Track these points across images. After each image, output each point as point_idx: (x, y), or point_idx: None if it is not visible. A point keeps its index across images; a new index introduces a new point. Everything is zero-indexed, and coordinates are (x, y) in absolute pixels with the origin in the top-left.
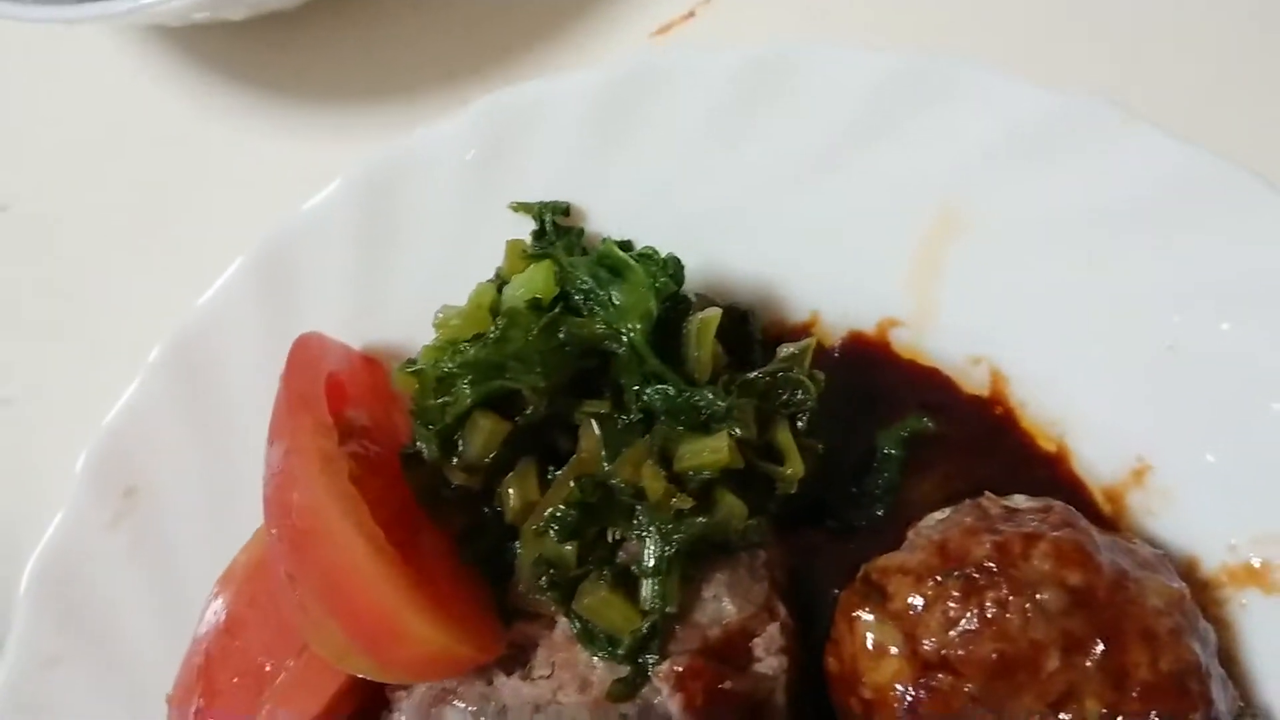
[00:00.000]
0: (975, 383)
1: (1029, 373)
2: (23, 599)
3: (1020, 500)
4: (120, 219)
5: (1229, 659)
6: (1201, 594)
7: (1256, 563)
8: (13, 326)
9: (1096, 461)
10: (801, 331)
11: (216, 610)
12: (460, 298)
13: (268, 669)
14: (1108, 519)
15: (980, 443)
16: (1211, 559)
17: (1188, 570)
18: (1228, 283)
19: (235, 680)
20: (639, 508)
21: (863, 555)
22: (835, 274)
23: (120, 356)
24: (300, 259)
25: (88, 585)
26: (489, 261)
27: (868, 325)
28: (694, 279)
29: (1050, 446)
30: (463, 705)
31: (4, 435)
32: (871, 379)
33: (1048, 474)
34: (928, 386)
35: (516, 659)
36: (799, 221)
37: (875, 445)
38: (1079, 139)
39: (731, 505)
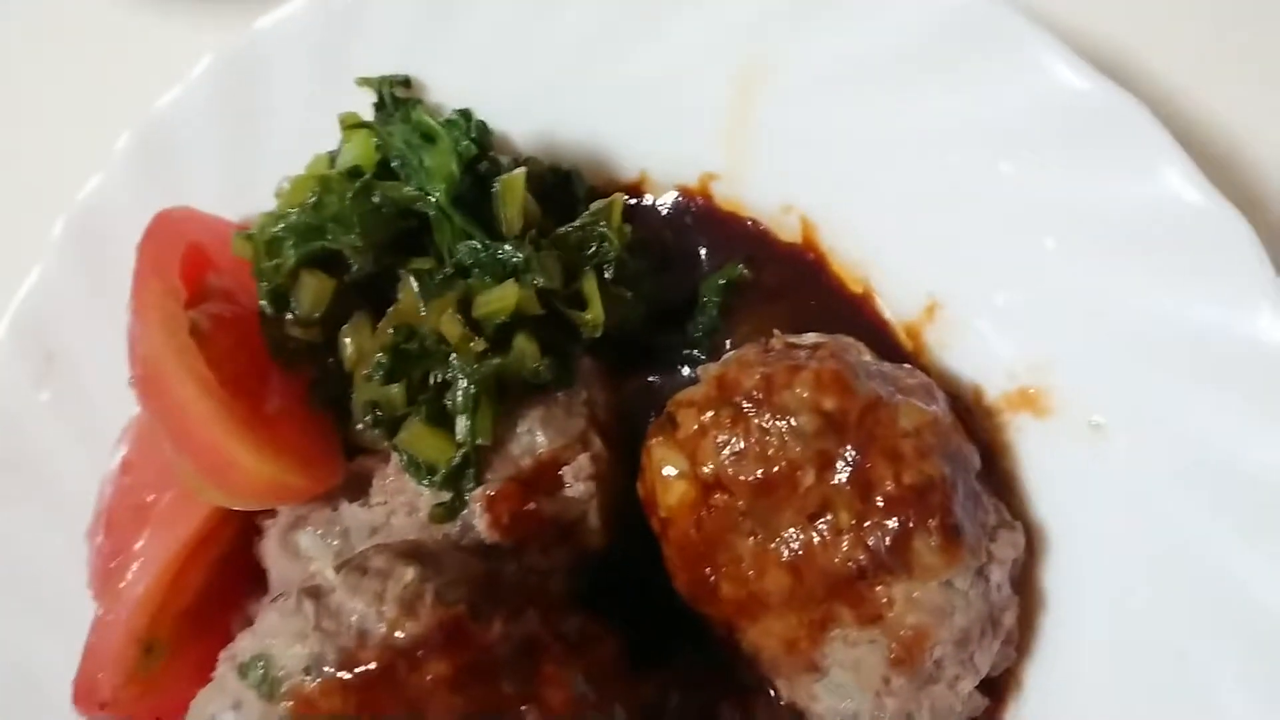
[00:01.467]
0: (789, 231)
1: (834, 219)
2: None
3: (808, 338)
4: (18, 105)
5: (1010, 478)
6: (986, 420)
7: (1030, 389)
8: None
9: (896, 300)
10: (631, 190)
11: (116, 456)
12: None
13: (150, 501)
14: (909, 354)
15: (794, 287)
16: (994, 388)
17: (975, 399)
18: (1004, 124)
19: (127, 514)
20: (451, 352)
21: None
22: (657, 133)
23: (24, 233)
24: (179, 140)
25: (19, 438)
26: None
27: (691, 180)
28: (528, 143)
29: (858, 288)
30: (312, 529)
31: None
32: (697, 232)
33: (855, 314)
34: (747, 236)
35: (359, 489)
36: (621, 83)
37: (698, 294)
38: None
39: (523, 346)
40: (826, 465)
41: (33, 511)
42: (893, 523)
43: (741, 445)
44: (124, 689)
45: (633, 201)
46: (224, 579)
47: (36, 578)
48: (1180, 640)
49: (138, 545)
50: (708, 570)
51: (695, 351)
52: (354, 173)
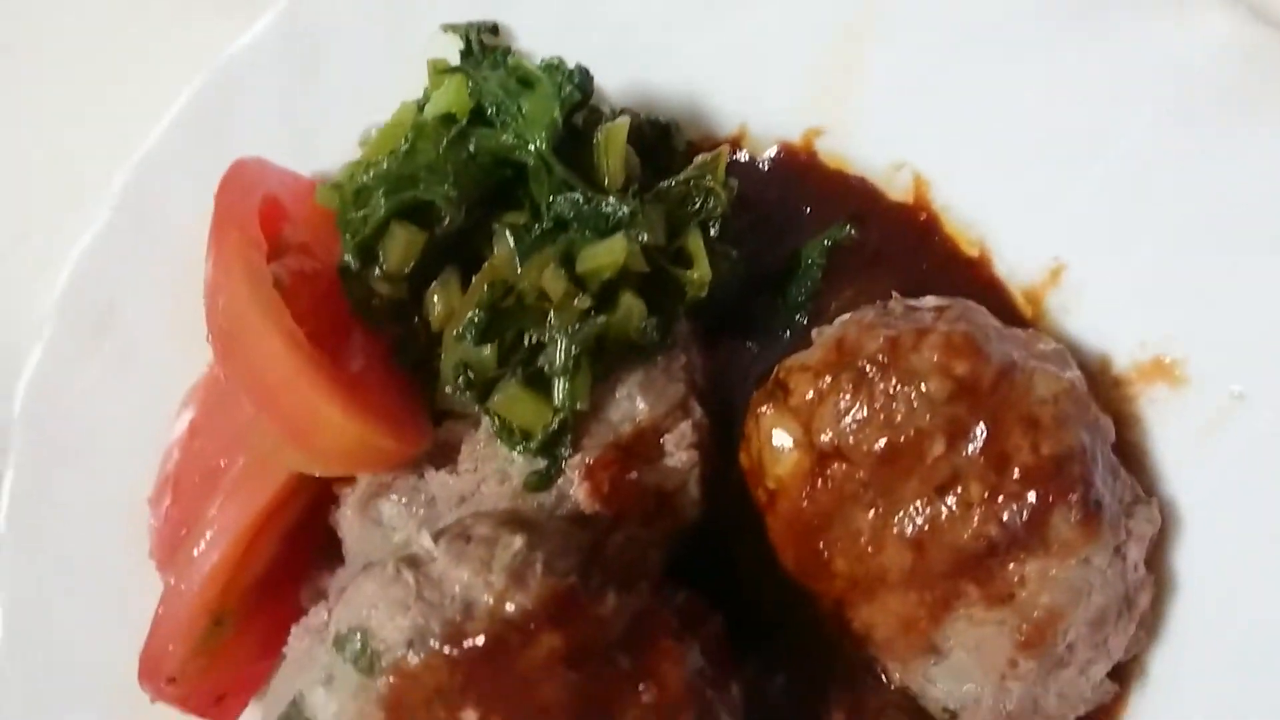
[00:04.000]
0: (899, 189)
1: (950, 177)
2: (17, 411)
3: (928, 301)
4: (79, 55)
5: (1139, 452)
6: (1114, 390)
7: (1165, 359)
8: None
9: (1016, 263)
10: (730, 144)
11: (183, 419)
12: None
13: (222, 466)
14: (1028, 320)
15: (905, 249)
16: (1123, 356)
17: (1101, 368)
18: (1142, 81)
19: (197, 480)
20: (549, 310)
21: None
22: (759, 84)
23: (88, 188)
24: (248, 90)
25: (74, 398)
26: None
27: (793, 135)
28: (622, 94)
29: (973, 251)
30: (396, 497)
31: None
32: (800, 190)
33: (970, 277)
34: (854, 195)
35: (445, 455)
36: (720, 32)
37: (800, 256)
38: None
39: (630, 304)
40: (958, 434)
41: (85, 475)
42: (1030, 496)
43: (864, 412)
44: (191, 661)
45: (731, 157)
46: (294, 549)
47: (87, 544)
48: None
49: (210, 513)
50: (820, 544)
51: (796, 316)
52: (447, 119)
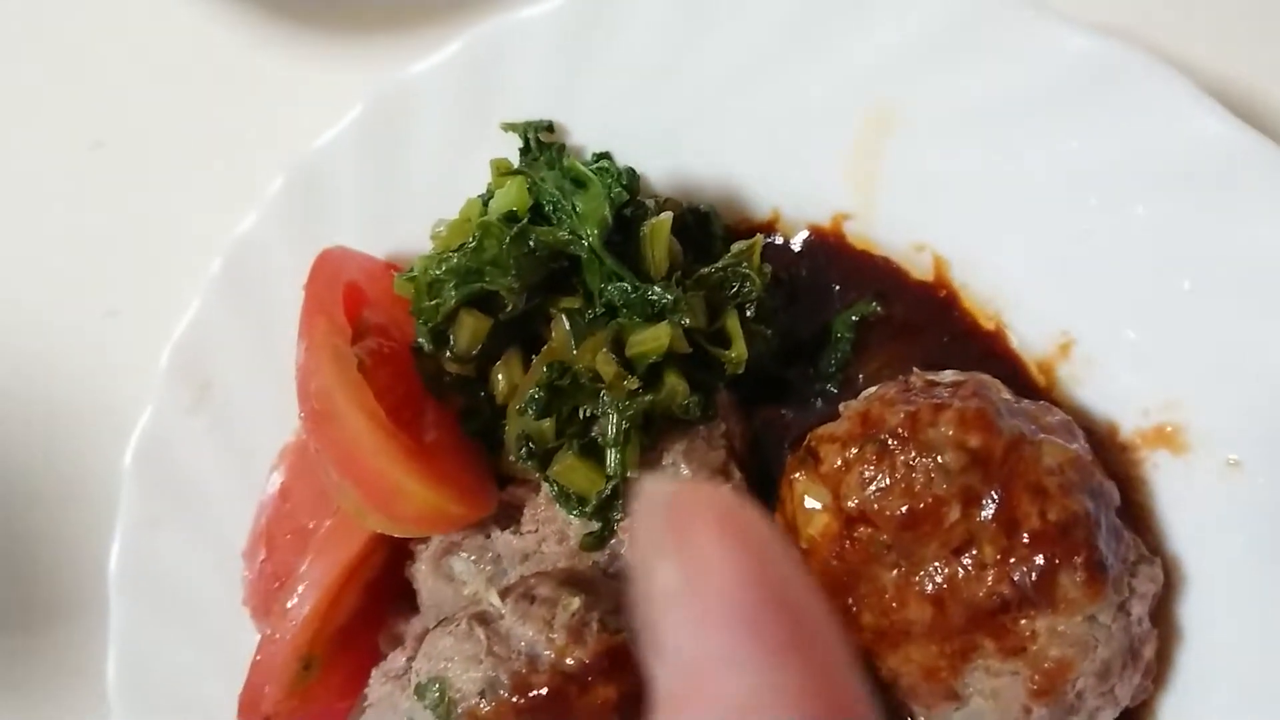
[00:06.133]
0: (921, 269)
1: (967, 257)
2: (127, 472)
3: (947, 375)
4: (182, 146)
5: (1145, 513)
6: (1121, 455)
7: (1167, 426)
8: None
9: (1029, 336)
10: (765, 228)
11: (274, 481)
12: None
13: (311, 526)
14: (1042, 389)
15: (926, 323)
16: (1128, 424)
17: (1109, 434)
18: (1141, 168)
19: (288, 537)
20: (601, 388)
21: (815, 427)
22: (789, 173)
23: (188, 269)
24: (332, 181)
25: (177, 461)
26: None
27: (822, 219)
28: (664, 183)
29: (989, 325)
30: (465, 555)
31: (108, 340)
32: (829, 269)
33: (988, 349)
34: (879, 274)
35: (509, 517)
36: (753, 124)
37: (830, 329)
38: (995, 33)
39: (674, 384)
40: (971, 501)
41: (187, 530)
42: (1038, 558)
43: (886, 481)
44: (284, 702)
45: (766, 240)
46: (373, 599)
47: (188, 592)
48: None
49: (302, 569)
50: (848, 599)
51: (828, 385)
52: (509, 217)
